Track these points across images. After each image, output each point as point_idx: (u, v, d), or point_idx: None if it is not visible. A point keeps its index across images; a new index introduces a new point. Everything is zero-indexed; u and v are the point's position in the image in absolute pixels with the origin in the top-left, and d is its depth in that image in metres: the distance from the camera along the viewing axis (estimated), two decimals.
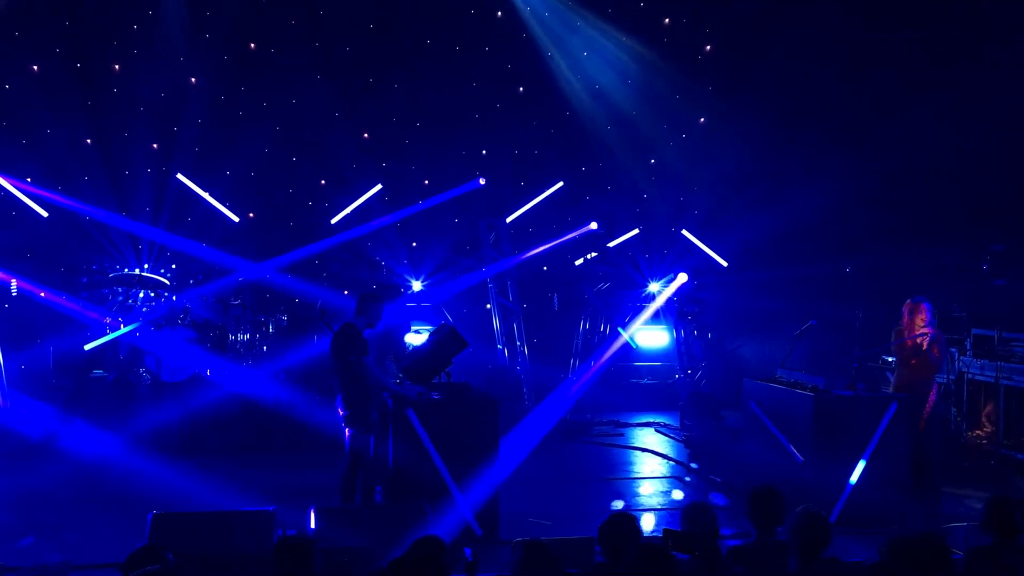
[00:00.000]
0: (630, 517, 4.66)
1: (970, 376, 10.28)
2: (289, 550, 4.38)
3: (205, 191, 13.73)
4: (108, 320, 11.85)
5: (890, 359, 10.02)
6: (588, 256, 14.53)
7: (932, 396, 8.22)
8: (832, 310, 12.15)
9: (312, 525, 5.80)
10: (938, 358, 8.22)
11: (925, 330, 8.12)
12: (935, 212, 12.44)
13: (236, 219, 13.89)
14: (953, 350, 10.23)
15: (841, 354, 11.20)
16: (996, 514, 4.83)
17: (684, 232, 14.71)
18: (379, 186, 14.26)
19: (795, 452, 7.83)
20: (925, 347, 8.12)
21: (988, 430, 10.08)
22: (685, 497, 8.75)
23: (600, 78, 14.79)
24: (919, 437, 8.02)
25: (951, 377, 10.23)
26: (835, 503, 7.51)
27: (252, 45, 13.93)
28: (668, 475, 9.77)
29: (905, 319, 8.30)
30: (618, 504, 8.47)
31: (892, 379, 8.88)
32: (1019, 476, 9.16)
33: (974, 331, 10.39)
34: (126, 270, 13.03)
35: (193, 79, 13.75)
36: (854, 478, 7.58)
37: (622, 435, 11.74)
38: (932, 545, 4.18)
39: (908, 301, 8.29)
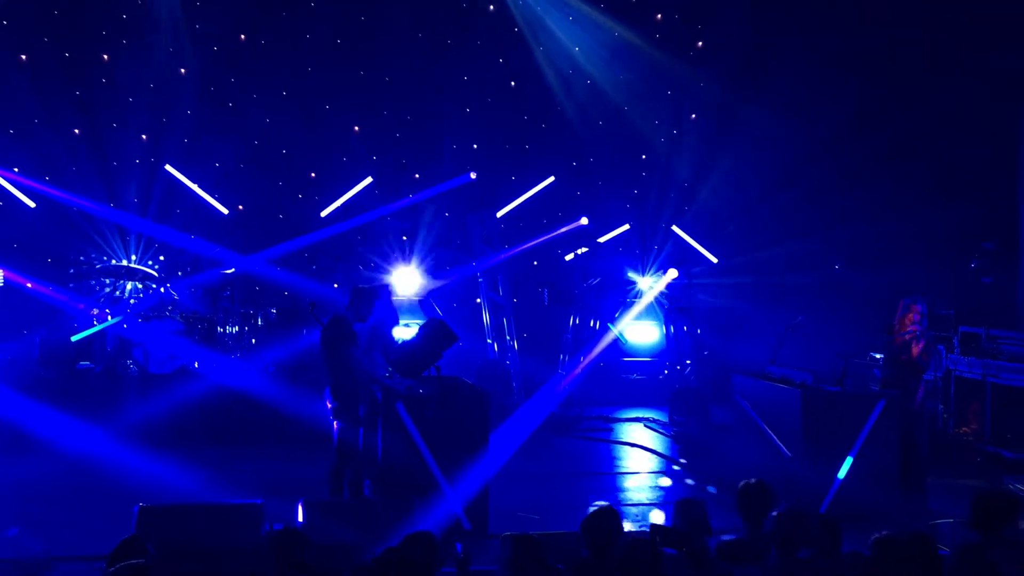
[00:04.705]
0: (613, 512, 4.66)
1: (957, 373, 10.32)
2: (284, 542, 4.39)
3: (194, 183, 13.66)
4: (95, 311, 11.75)
5: (878, 356, 10.05)
6: (578, 251, 14.51)
7: (920, 393, 8.24)
8: (821, 306, 12.18)
9: (300, 519, 5.78)
10: (925, 360, 8.22)
11: (912, 329, 8.14)
12: (923, 208, 12.47)
13: (225, 211, 13.82)
14: (941, 347, 10.26)
15: (829, 350, 11.21)
16: (982, 510, 4.85)
17: (674, 228, 14.73)
18: (369, 179, 14.22)
19: (783, 447, 7.85)
20: (915, 353, 8.11)
21: (975, 427, 10.14)
22: (673, 492, 8.76)
23: (592, 72, 14.77)
24: (907, 433, 8.05)
25: (938, 374, 10.27)
26: (823, 498, 7.54)
27: (242, 36, 13.86)
28: (656, 470, 9.79)
29: (897, 316, 8.31)
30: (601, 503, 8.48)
31: (879, 375, 8.90)
32: (1005, 472, 9.20)
33: (961, 328, 10.44)
34: (114, 261, 12.95)
35: (183, 70, 13.66)
36: (842, 474, 7.61)
37: (611, 430, 11.74)
38: (920, 544, 4.20)
39: (904, 299, 8.28)
